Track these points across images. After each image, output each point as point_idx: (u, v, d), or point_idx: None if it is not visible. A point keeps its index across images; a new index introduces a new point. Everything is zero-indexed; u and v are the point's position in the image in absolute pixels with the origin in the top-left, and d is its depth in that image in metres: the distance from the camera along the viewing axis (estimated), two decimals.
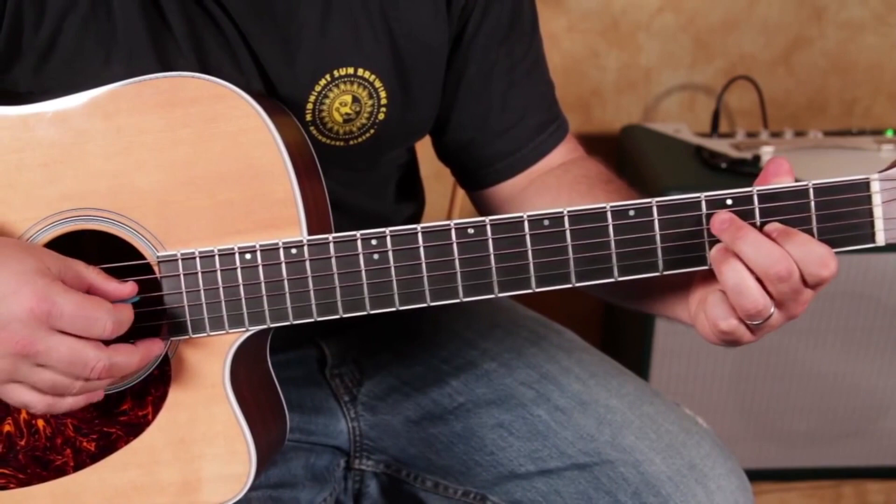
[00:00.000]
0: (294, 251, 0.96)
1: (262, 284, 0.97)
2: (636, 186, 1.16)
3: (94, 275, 0.94)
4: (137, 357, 0.95)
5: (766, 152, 1.94)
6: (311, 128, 1.09)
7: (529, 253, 0.95)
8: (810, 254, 0.90)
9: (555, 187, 1.18)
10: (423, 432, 1.23)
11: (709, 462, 1.13)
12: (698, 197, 0.93)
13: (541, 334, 1.26)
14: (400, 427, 1.24)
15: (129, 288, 0.95)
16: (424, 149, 1.29)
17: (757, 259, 0.90)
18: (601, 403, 1.17)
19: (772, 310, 0.91)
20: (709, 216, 0.92)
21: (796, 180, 0.93)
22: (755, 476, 1.33)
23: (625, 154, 2.12)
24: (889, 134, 2.04)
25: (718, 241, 0.92)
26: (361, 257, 0.96)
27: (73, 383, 0.92)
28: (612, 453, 1.14)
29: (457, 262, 0.95)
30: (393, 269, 0.96)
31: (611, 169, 1.20)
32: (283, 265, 0.96)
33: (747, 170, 1.91)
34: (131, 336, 0.97)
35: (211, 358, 0.99)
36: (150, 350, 0.97)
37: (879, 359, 2.01)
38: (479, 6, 1.14)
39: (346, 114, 1.10)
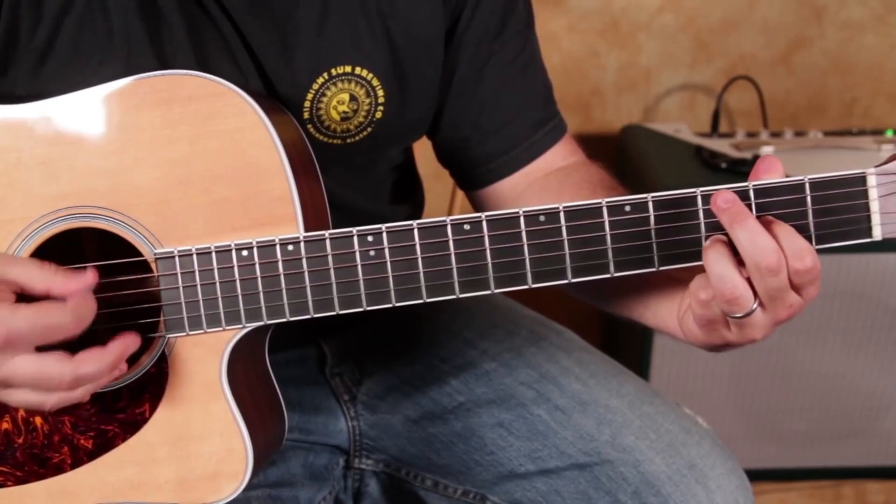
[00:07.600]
0: (291, 248, 0.96)
1: (259, 281, 0.97)
2: (638, 189, 1.15)
3: (35, 272, 0.91)
4: (109, 359, 0.92)
5: (766, 152, 1.94)
6: (309, 126, 1.09)
7: (525, 249, 0.94)
8: (790, 246, 0.89)
9: (556, 190, 1.17)
10: (422, 431, 1.23)
11: (709, 462, 1.13)
12: (694, 192, 0.93)
13: (540, 334, 1.26)
14: (400, 426, 1.24)
15: (74, 284, 0.91)
16: (424, 149, 1.28)
17: (751, 248, 0.89)
18: (601, 403, 1.17)
19: (753, 305, 0.90)
20: (705, 211, 0.92)
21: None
22: (755, 476, 1.33)
23: (625, 154, 2.12)
24: (889, 134, 2.04)
25: (713, 235, 0.92)
26: (358, 254, 0.96)
27: (47, 399, 0.92)
28: (612, 453, 1.13)
29: (452, 258, 0.95)
30: (389, 265, 0.95)
31: (613, 176, 1.19)
32: (280, 262, 0.96)
33: (747, 170, 1.88)
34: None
35: (208, 355, 0.99)
36: (125, 346, 0.93)
37: (879, 359, 2.01)
38: (471, 2, 1.14)
39: (344, 112, 1.10)
